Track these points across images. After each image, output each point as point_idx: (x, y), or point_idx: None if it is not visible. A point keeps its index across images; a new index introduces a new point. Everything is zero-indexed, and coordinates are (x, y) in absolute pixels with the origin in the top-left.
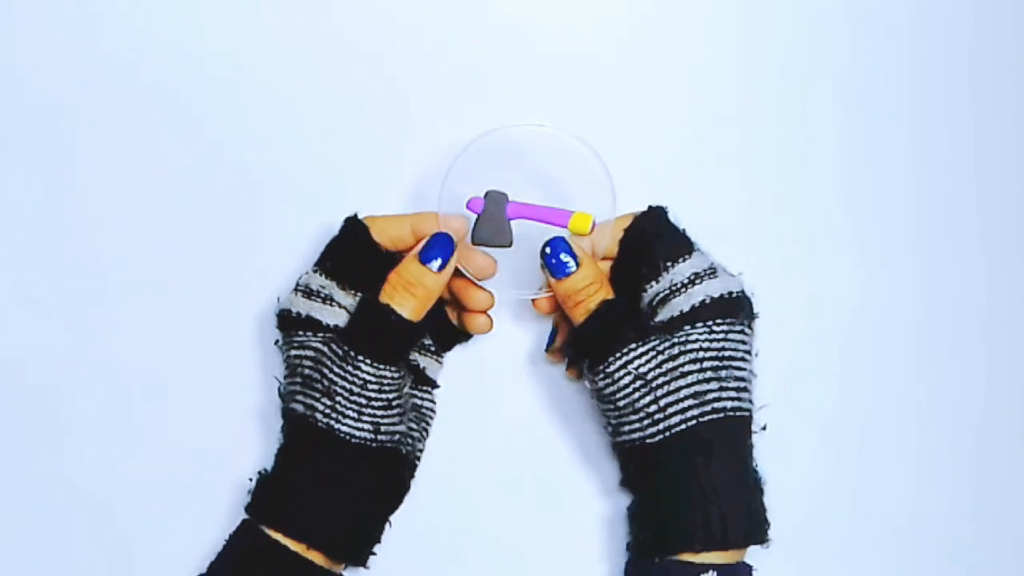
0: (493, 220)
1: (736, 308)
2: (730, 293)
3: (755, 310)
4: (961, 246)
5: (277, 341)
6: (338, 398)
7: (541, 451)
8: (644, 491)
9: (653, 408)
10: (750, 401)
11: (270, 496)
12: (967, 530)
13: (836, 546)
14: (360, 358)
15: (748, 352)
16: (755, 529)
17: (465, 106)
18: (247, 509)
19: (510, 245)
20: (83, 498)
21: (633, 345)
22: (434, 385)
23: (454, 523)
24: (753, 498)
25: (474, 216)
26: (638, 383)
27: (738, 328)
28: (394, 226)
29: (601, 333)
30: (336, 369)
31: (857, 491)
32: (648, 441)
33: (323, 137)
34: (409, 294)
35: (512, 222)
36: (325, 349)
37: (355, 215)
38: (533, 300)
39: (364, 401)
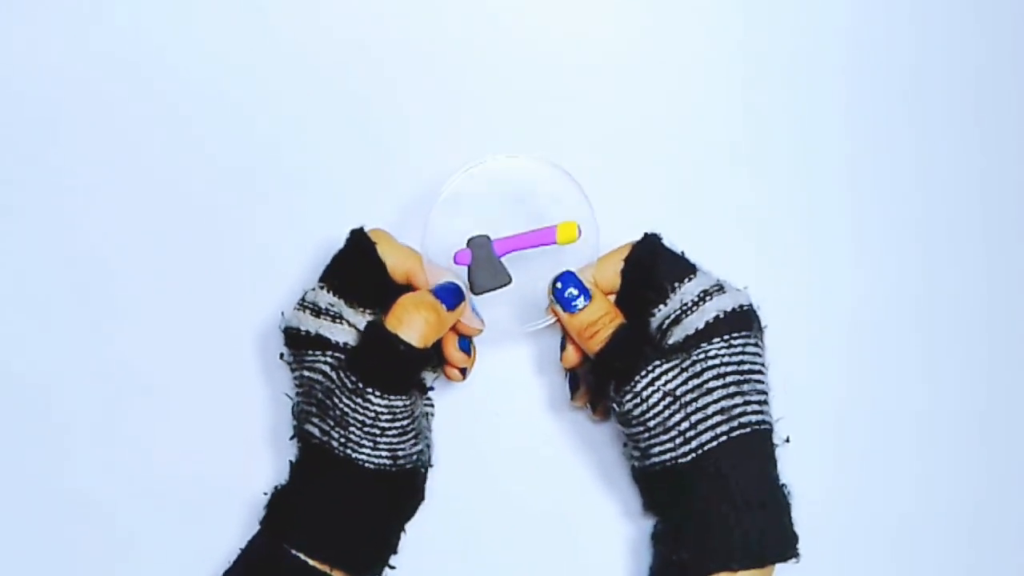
0: (486, 265)
1: (748, 321)
2: (741, 307)
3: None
4: (962, 256)
5: (282, 355)
6: (352, 429)
7: (560, 473)
8: (675, 512)
9: (685, 425)
10: (771, 414)
11: (290, 515)
12: (971, 531)
13: (839, 548)
14: (370, 390)
15: (763, 365)
16: (788, 544)
17: (465, 119)
18: (263, 523)
19: (511, 282)
20: (86, 507)
21: (658, 362)
22: (429, 389)
23: (471, 547)
24: (784, 512)
25: (464, 268)
26: (668, 400)
27: (752, 341)
28: (397, 256)
29: (622, 355)
30: (346, 400)
31: (859, 493)
32: (680, 461)
33: (321, 149)
34: (421, 317)
35: (504, 258)
36: (334, 376)
37: (361, 228)
38: (561, 355)
39: (378, 432)
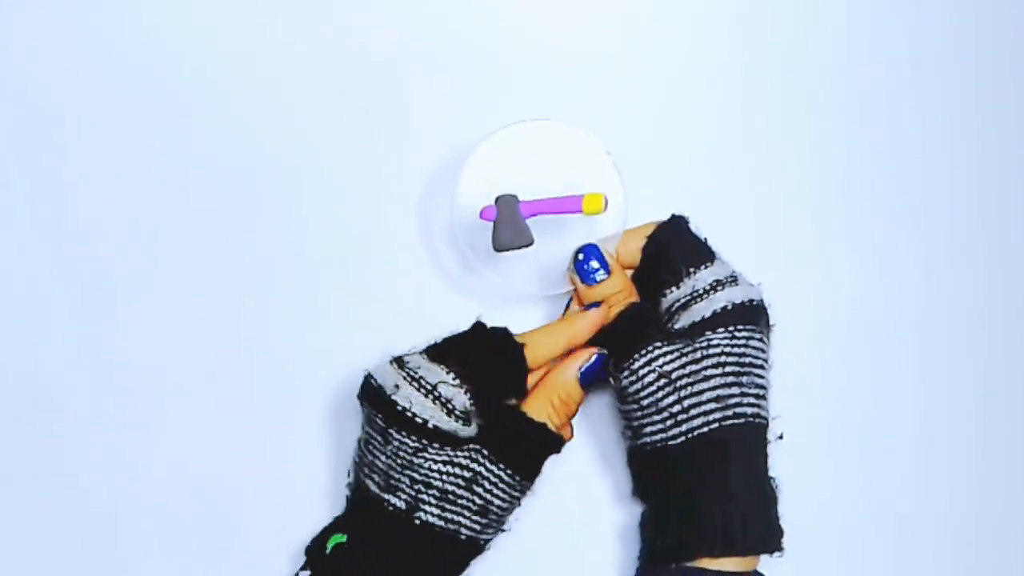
0: (510, 224)
1: (756, 316)
2: (751, 301)
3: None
4: (962, 255)
5: (393, 440)
6: (491, 515)
7: (554, 457)
8: (662, 496)
9: (676, 408)
10: (767, 410)
11: None
12: (970, 532)
13: (838, 549)
14: (527, 483)
15: (766, 361)
16: (772, 537)
17: (473, 109)
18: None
19: (532, 244)
20: (86, 511)
21: (658, 344)
22: None
23: None
24: (770, 506)
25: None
26: (662, 381)
27: (758, 336)
28: (550, 348)
29: (625, 334)
30: (497, 491)
31: (859, 494)
32: (670, 444)
33: (331, 142)
34: (564, 406)
35: (533, 222)
36: (483, 471)
37: (518, 344)
38: (563, 314)
39: (509, 511)
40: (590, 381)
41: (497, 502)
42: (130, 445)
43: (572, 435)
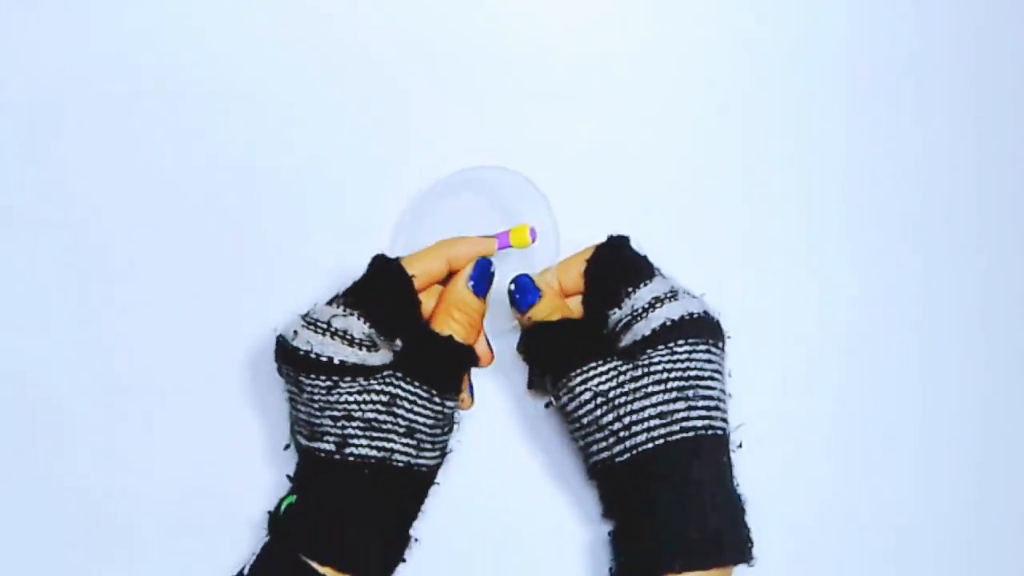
0: None
1: (699, 329)
2: (691, 315)
3: (725, 330)
4: (961, 258)
5: (293, 374)
6: (418, 435)
7: (522, 478)
8: (620, 515)
9: (617, 426)
10: (723, 420)
11: (326, 532)
12: (970, 534)
13: (838, 550)
14: (448, 395)
15: (717, 372)
16: (735, 547)
17: (464, 121)
18: (286, 541)
19: None
20: (83, 508)
21: (594, 364)
22: None
23: (435, 550)
24: (732, 517)
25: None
26: (599, 400)
27: (702, 348)
28: (429, 261)
29: (557, 344)
30: (418, 408)
31: (855, 503)
32: (617, 460)
33: (322, 150)
34: (465, 316)
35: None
36: (400, 392)
37: (393, 258)
38: (517, 345)
39: (440, 432)
40: (485, 287)
41: (421, 420)
42: (127, 440)
43: (493, 357)
